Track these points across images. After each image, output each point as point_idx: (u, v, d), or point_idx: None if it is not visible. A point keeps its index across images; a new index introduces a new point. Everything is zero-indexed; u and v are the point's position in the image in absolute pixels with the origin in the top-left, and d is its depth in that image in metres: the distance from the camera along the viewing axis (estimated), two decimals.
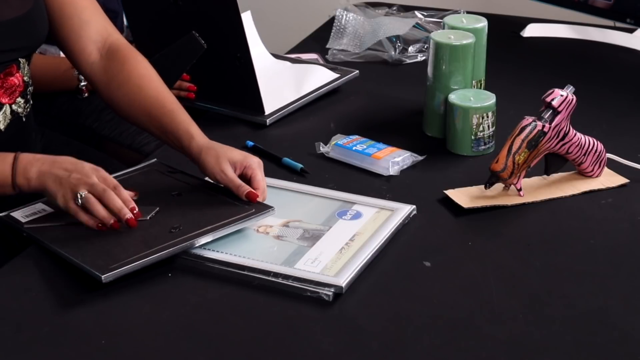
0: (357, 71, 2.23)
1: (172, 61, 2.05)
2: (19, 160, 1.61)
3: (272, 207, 1.66)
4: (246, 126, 2.05)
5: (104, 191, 1.55)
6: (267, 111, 2.05)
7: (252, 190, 1.65)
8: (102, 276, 1.49)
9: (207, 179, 1.75)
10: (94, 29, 1.82)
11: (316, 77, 2.17)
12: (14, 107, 1.77)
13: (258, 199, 1.65)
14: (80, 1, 1.82)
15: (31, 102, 1.83)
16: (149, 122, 1.77)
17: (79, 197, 1.55)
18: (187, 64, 2.04)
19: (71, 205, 1.56)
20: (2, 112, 1.75)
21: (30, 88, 1.82)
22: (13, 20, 1.72)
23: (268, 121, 2.04)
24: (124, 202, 1.56)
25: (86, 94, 2.16)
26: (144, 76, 1.80)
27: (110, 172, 1.78)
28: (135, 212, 1.56)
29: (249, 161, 1.68)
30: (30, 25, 1.75)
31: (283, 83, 2.14)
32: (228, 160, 1.67)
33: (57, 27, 1.81)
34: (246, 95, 2.06)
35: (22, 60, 1.78)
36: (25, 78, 1.79)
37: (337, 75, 2.20)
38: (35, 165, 1.60)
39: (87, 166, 1.59)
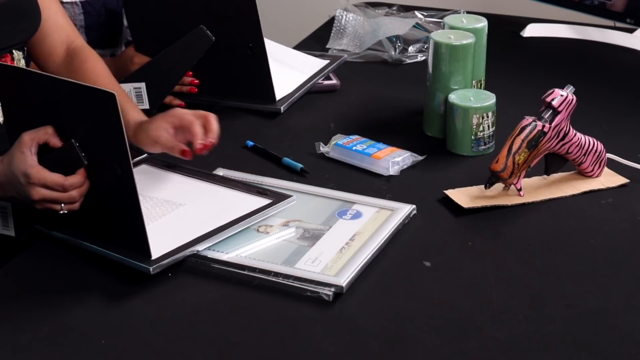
0: (345, 55, 2.27)
1: (180, 55, 2.07)
2: None
3: (291, 195, 1.69)
4: (251, 120, 2.05)
5: (57, 199, 1.55)
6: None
7: (185, 148, 1.69)
8: (150, 268, 1.51)
9: (218, 170, 1.79)
10: (64, 32, 1.90)
11: (307, 65, 2.21)
12: None
13: (201, 145, 1.67)
14: (53, 6, 1.88)
15: None
16: None
17: (60, 211, 1.55)
18: (194, 58, 2.06)
19: (51, 207, 1.56)
20: None
21: None
22: (6, 4, 1.73)
23: (282, 108, 2.06)
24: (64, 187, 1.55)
25: None
26: (99, 74, 1.87)
27: None
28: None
29: (176, 115, 1.71)
30: (22, 9, 1.78)
31: (278, 71, 2.15)
32: (157, 128, 1.71)
33: None
34: (256, 85, 2.08)
35: (16, 52, 1.78)
36: None
37: (327, 62, 2.24)
38: None
39: (23, 180, 1.54)
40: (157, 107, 2.10)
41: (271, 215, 1.66)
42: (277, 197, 1.69)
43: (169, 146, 1.70)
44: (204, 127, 1.69)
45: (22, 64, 1.80)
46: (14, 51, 1.79)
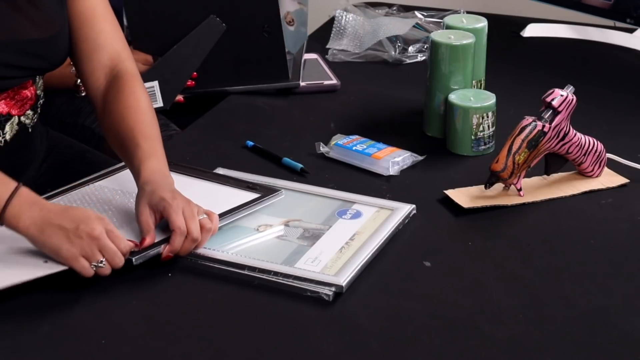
0: (307, 29, 2.34)
1: (193, 48, 2.08)
2: (19, 195, 1.51)
3: (280, 190, 1.70)
4: (252, 118, 2.05)
5: (114, 253, 1.50)
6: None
7: (134, 242, 1.54)
8: (133, 258, 1.51)
9: (218, 170, 1.79)
10: (106, 54, 1.78)
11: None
12: (22, 118, 1.76)
13: (175, 244, 1.54)
14: (98, 24, 1.78)
15: (39, 111, 1.82)
16: (120, 153, 1.72)
17: (97, 263, 1.49)
18: (207, 49, 2.08)
19: (81, 262, 1.49)
20: (9, 123, 1.74)
21: (41, 101, 1.81)
22: (38, 42, 1.70)
23: (300, 82, 2.13)
24: (123, 254, 1.51)
25: (83, 93, 2.16)
26: (131, 107, 1.73)
27: (114, 171, 1.79)
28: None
29: (162, 205, 1.55)
30: (53, 49, 1.73)
31: None
32: (147, 203, 1.57)
33: (71, 47, 1.78)
34: (269, 65, 2.12)
35: (38, 77, 1.78)
36: (38, 92, 1.78)
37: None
38: (32, 211, 1.50)
39: (93, 216, 1.50)
40: (171, 104, 2.11)
41: (272, 215, 1.67)
42: (266, 192, 1.69)
43: (140, 229, 1.57)
44: (189, 235, 1.55)
45: (40, 84, 1.79)
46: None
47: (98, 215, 1.51)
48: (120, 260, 1.50)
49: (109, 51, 1.78)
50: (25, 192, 1.52)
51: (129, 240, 1.53)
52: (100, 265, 1.49)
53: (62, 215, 1.50)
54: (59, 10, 1.73)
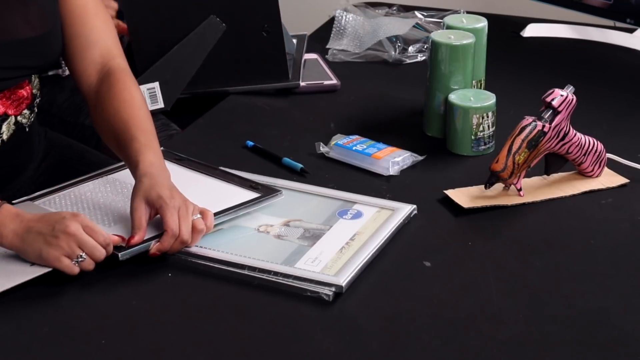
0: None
1: (193, 48, 2.09)
2: (1, 212, 1.53)
3: (279, 190, 1.70)
4: (252, 118, 2.06)
5: (92, 247, 1.50)
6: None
7: (121, 237, 1.55)
8: (119, 254, 1.52)
9: (222, 168, 1.80)
10: (98, 51, 1.78)
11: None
12: (19, 118, 1.76)
13: (165, 243, 1.54)
14: (90, 21, 1.78)
15: (36, 110, 1.82)
16: (116, 148, 1.71)
17: (77, 258, 1.50)
18: (207, 49, 2.09)
19: (63, 261, 1.50)
20: (6, 122, 1.74)
21: (38, 100, 1.81)
22: (31, 40, 1.70)
23: (301, 83, 2.14)
24: (103, 246, 1.52)
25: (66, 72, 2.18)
26: (125, 101, 1.73)
27: (111, 171, 1.79)
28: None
29: (159, 203, 1.55)
30: (46, 46, 1.73)
31: None
32: (144, 198, 1.57)
33: (64, 44, 1.77)
34: (269, 65, 2.13)
35: (33, 76, 1.78)
36: (34, 90, 1.78)
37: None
38: (13, 224, 1.52)
39: (68, 215, 1.51)
40: (172, 104, 2.11)
41: (272, 215, 1.67)
42: (266, 192, 1.69)
43: (132, 226, 1.56)
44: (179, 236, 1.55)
45: (36, 83, 1.79)
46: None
47: (73, 213, 1.52)
48: (100, 253, 1.51)
49: (101, 47, 1.78)
50: (6, 208, 1.55)
51: (116, 235, 1.54)
52: (81, 259, 1.50)
53: (39, 221, 1.52)
54: (51, 7, 1.73)
